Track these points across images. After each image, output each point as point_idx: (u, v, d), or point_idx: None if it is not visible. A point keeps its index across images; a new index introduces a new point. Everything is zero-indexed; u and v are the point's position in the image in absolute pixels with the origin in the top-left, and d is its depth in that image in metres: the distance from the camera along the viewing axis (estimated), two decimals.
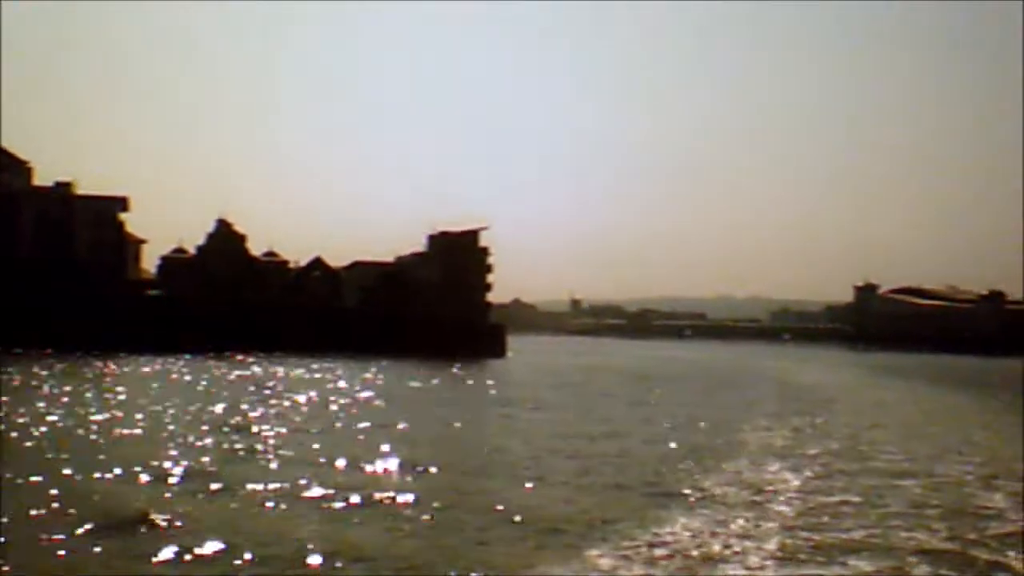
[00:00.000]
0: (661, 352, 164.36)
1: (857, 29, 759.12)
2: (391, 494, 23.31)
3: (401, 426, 39.14)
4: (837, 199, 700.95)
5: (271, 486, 23.90)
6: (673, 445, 34.37)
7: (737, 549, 18.18)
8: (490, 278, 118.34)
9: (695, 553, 17.84)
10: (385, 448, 31.03)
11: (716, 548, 18.21)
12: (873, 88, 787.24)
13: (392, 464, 28.30)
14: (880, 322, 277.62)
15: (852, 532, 20.12)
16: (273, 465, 27.91)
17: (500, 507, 22.26)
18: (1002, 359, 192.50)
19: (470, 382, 71.93)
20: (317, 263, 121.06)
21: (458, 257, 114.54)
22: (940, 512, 22.73)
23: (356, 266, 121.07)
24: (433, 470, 27.74)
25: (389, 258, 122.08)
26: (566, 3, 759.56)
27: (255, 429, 36.40)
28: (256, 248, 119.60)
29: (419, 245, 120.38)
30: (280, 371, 71.76)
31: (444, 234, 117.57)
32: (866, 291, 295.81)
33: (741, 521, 20.74)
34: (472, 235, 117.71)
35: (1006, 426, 46.31)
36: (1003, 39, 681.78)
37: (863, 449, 34.80)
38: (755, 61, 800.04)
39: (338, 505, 22.24)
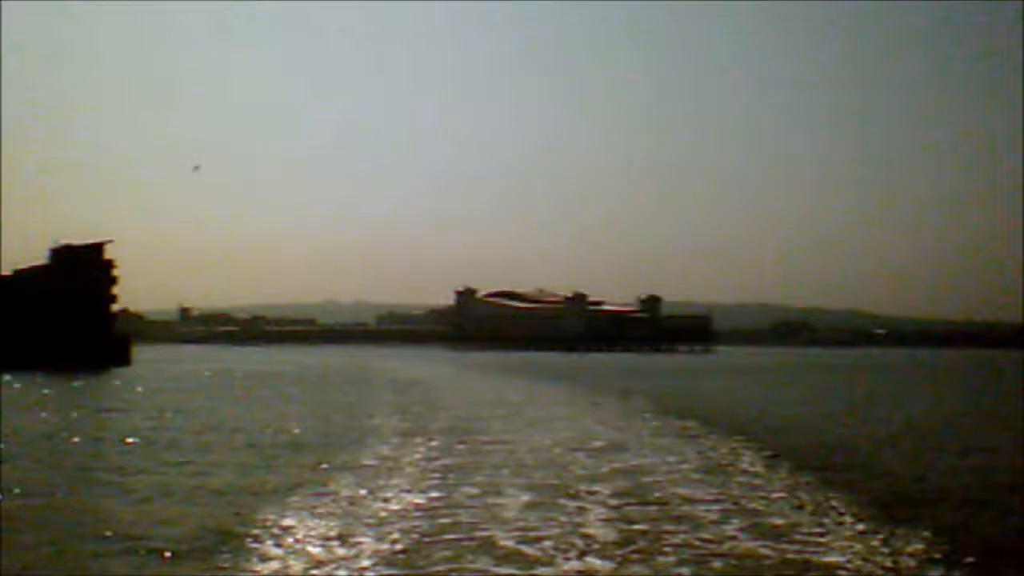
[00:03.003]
0: (277, 356, 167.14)
1: None
2: None
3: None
4: (438, 211, 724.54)
5: None
6: (314, 434, 38.26)
7: (381, 507, 22.10)
8: (115, 290, 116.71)
9: (350, 510, 21.64)
10: None
11: (367, 507, 21.95)
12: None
13: None
14: (478, 323, 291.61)
15: (466, 486, 24.90)
16: None
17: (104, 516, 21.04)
18: (585, 354, 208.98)
19: (98, 390, 71.56)
20: None
21: (82, 270, 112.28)
22: (535, 465, 28.31)
23: None
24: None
25: (7, 271, 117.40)
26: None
27: None
28: None
29: (41, 259, 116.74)
30: None
31: (68, 247, 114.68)
32: (465, 295, 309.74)
33: (382, 483, 25.05)
34: (97, 248, 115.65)
35: (585, 407, 53.82)
36: None
37: (471, 426, 40.33)
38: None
39: None
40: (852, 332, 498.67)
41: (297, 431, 38.52)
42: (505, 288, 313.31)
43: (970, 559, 16.71)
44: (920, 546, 17.46)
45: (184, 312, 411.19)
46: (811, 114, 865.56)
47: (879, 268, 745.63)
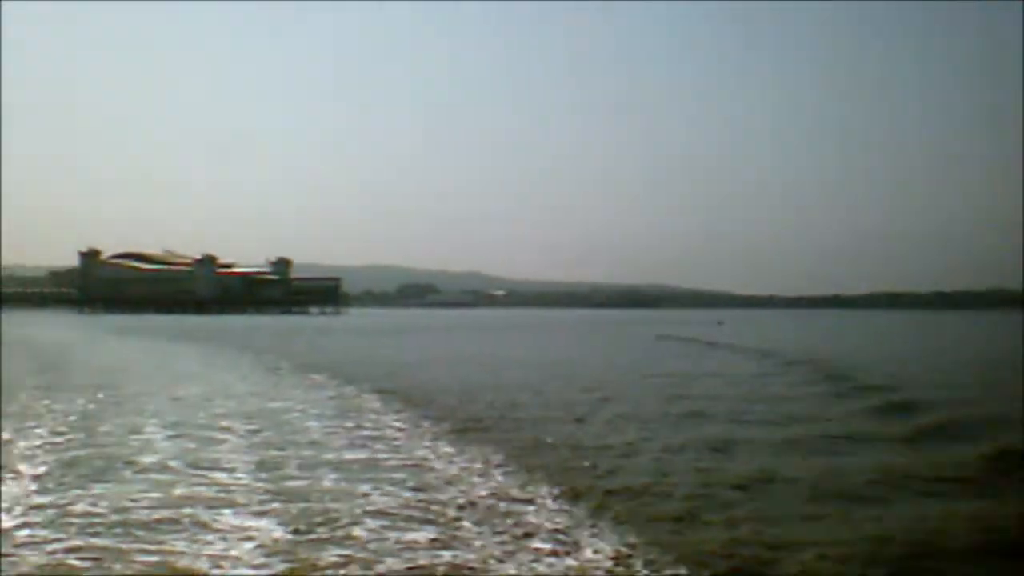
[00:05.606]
0: None
1: None
2: None
3: None
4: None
5: None
6: None
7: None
8: None
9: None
10: None
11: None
12: None
13: None
14: (104, 286, 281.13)
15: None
16: None
17: None
18: (217, 316, 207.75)
19: None
20: None
21: None
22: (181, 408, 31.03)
23: None
24: None
25: None
26: None
27: None
28: None
29: None
30: None
31: None
32: (89, 256, 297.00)
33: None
34: None
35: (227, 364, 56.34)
36: None
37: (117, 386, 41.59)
38: None
39: None
40: (473, 293, 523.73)
41: None
42: (131, 250, 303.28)
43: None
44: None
45: None
46: None
47: (497, 234, 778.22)
